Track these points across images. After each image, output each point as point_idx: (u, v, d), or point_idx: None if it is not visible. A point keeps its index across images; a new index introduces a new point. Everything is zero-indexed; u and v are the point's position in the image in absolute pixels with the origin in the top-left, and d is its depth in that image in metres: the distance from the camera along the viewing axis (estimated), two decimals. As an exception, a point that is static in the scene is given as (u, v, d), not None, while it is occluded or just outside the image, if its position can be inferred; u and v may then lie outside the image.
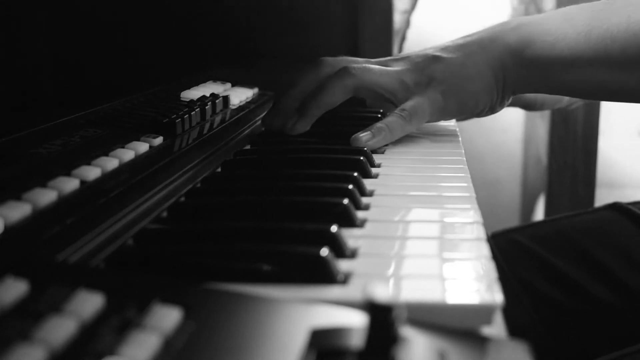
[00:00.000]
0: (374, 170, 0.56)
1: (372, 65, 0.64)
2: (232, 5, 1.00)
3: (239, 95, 0.75)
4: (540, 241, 0.81)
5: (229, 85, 0.79)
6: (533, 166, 1.62)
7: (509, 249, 0.82)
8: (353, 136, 0.61)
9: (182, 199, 0.49)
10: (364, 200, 0.48)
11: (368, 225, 0.43)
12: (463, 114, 0.66)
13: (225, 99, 0.70)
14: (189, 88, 0.72)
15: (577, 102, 1.00)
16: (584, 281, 0.75)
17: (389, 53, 0.98)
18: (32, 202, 0.37)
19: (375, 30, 0.98)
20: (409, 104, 0.63)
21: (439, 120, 0.67)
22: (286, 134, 0.65)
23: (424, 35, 1.43)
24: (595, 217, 0.84)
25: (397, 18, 1.10)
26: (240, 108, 0.72)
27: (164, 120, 0.56)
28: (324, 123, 0.66)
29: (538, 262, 0.79)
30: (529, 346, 0.27)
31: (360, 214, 0.44)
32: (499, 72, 0.63)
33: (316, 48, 0.99)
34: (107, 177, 0.44)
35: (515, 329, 0.34)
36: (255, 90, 0.80)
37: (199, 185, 0.52)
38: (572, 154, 1.45)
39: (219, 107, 0.67)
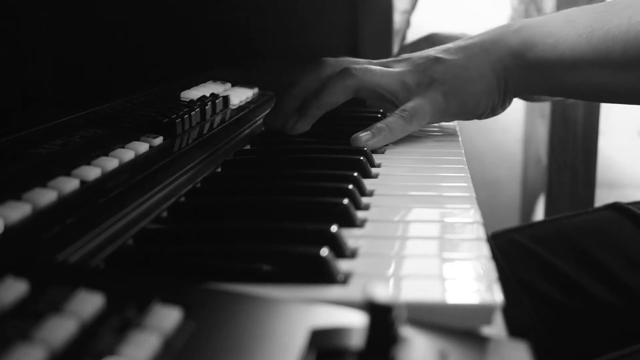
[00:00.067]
0: (374, 170, 0.56)
1: (374, 66, 0.64)
2: (232, 5, 1.00)
3: (239, 95, 0.75)
4: (540, 241, 0.81)
5: (229, 85, 0.79)
6: (533, 166, 1.62)
7: (509, 249, 0.82)
8: (353, 136, 0.61)
9: (182, 199, 0.49)
10: (364, 200, 0.48)
11: (368, 225, 0.43)
12: (464, 116, 0.66)
13: (225, 99, 0.70)
14: (189, 88, 0.72)
15: None
16: (584, 281, 0.75)
17: (389, 53, 0.98)
18: (32, 202, 0.37)
19: (375, 30, 0.98)
20: (409, 105, 0.63)
21: (439, 121, 0.67)
22: (286, 133, 0.65)
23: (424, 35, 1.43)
24: (595, 217, 0.84)
25: (397, 18, 1.10)
26: (240, 108, 0.72)
27: (164, 120, 0.56)
28: (324, 123, 0.66)
29: (538, 262, 0.79)
30: (529, 346, 0.27)
31: (360, 214, 0.44)
32: (500, 74, 0.63)
33: (316, 48, 0.99)
34: (107, 177, 0.44)
35: (515, 329, 0.34)
36: (255, 90, 0.80)
37: (199, 185, 0.52)
38: (572, 154, 1.45)
39: (219, 107, 0.67)
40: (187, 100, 0.67)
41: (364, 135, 0.61)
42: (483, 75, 0.63)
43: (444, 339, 0.27)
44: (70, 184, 0.40)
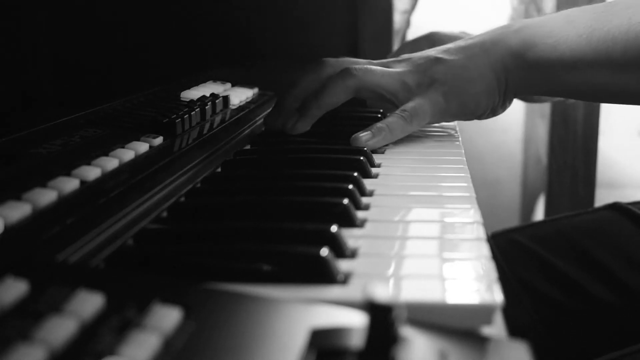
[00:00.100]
0: (374, 170, 0.56)
1: (374, 67, 0.64)
2: (232, 5, 1.00)
3: (239, 95, 0.75)
4: (540, 241, 0.81)
5: (229, 85, 0.79)
6: (533, 166, 1.62)
7: (509, 249, 0.82)
8: (353, 136, 0.61)
9: (182, 199, 0.49)
10: (364, 200, 0.48)
11: (368, 225, 0.43)
12: (464, 116, 0.66)
13: (225, 99, 0.70)
14: (189, 88, 0.72)
15: None
16: (584, 281, 0.75)
17: (389, 53, 0.98)
18: (32, 202, 0.37)
19: (375, 30, 0.98)
20: (410, 105, 0.63)
21: (440, 121, 0.67)
22: (286, 133, 0.65)
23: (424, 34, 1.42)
24: (595, 217, 0.84)
25: (397, 18, 1.10)
26: (240, 108, 0.72)
27: (164, 120, 0.56)
28: (324, 123, 0.66)
29: (538, 262, 0.79)
30: (529, 346, 0.27)
31: (360, 214, 0.44)
32: (500, 74, 0.63)
33: (316, 48, 0.99)
34: (107, 177, 0.44)
35: (515, 329, 0.34)
36: (255, 90, 0.80)
37: (199, 185, 0.52)
38: (572, 154, 1.45)
39: (219, 107, 0.67)
40: (187, 100, 0.67)
41: (364, 135, 0.61)
42: (483, 75, 0.63)
43: (444, 339, 0.27)
44: (70, 184, 0.40)
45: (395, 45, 1.03)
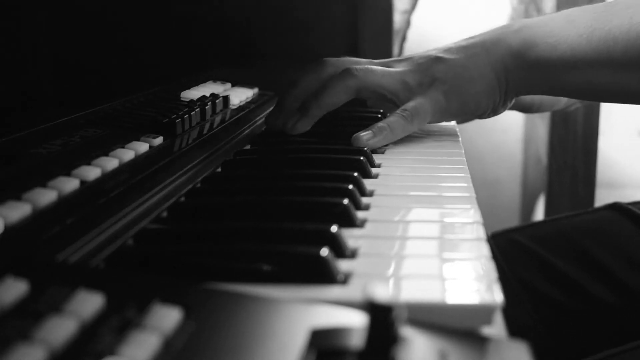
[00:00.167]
0: (374, 170, 0.56)
1: (375, 67, 0.65)
2: (232, 5, 1.00)
3: (239, 95, 0.75)
4: (540, 241, 0.81)
5: (229, 85, 0.79)
6: (533, 166, 1.62)
7: (509, 249, 0.82)
8: (354, 135, 0.61)
9: (182, 199, 0.49)
10: (364, 200, 0.48)
11: (368, 225, 0.43)
12: (465, 115, 0.66)
13: (225, 99, 0.70)
14: (189, 88, 0.72)
15: (575, 104, 1.00)
16: (584, 281, 0.75)
17: (389, 53, 0.98)
18: (32, 202, 0.37)
19: (375, 30, 0.98)
20: (410, 104, 0.63)
21: (440, 121, 0.67)
22: (286, 133, 0.65)
23: (424, 35, 1.43)
24: (595, 217, 0.84)
25: (397, 18, 1.10)
26: (240, 108, 0.72)
27: (164, 120, 0.56)
28: (324, 123, 0.66)
29: (538, 262, 0.79)
30: (529, 346, 0.27)
31: (360, 214, 0.44)
32: (501, 74, 0.63)
33: (316, 48, 0.99)
34: (107, 177, 0.44)
35: (515, 329, 0.34)
36: (255, 90, 0.80)
37: (199, 185, 0.52)
38: (572, 154, 1.45)
39: (219, 107, 0.67)
40: (187, 100, 0.67)
41: (365, 135, 0.61)
42: (484, 74, 0.63)
43: (444, 339, 0.27)
44: (70, 184, 0.41)
45: (396, 45, 1.03)
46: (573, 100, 0.95)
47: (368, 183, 0.51)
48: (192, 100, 0.65)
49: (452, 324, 0.31)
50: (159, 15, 0.95)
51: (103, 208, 0.41)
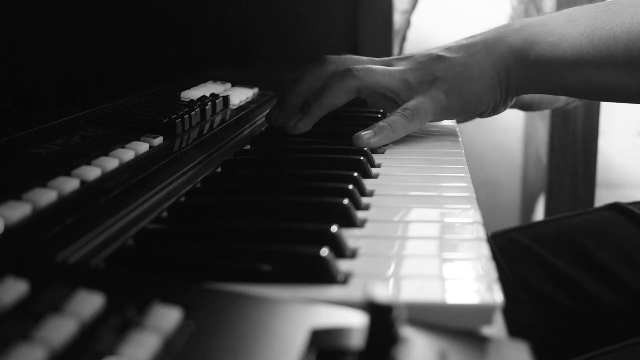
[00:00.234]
0: (374, 170, 0.56)
1: (375, 66, 0.64)
2: (233, 5, 1.00)
3: (239, 95, 0.75)
4: (540, 241, 0.81)
5: (229, 85, 0.79)
6: (533, 166, 1.62)
7: (509, 249, 0.82)
8: (355, 134, 0.61)
9: (182, 199, 0.49)
10: (364, 200, 0.48)
11: (368, 225, 0.43)
12: (466, 114, 0.66)
13: (225, 99, 0.70)
14: (189, 88, 0.72)
15: (574, 102, 1.01)
16: (584, 281, 0.75)
17: (389, 53, 0.98)
18: (32, 202, 0.37)
19: (375, 30, 0.98)
20: (411, 103, 0.63)
21: (441, 119, 0.67)
22: (286, 133, 0.65)
23: (424, 35, 1.43)
24: (595, 217, 0.84)
25: (397, 18, 1.10)
26: (240, 108, 0.72)
27: (164, 120, 0.56)
28: (324, 123, 0.66)
29: (538, 262, 0.79)
30: (529, 346, 0.27)
31: (360, 214, 0.44)
32: (502, 72, 0.63)
33: (316, 48, 0.99)
34: (107, 177, 0.44)
35: (515, 329, 0.34)
36: (255, 90, 0.80)
37: (199, 185, 0.52)
38: (572, 154, 1.45)
39: (219, 107, 0.67)
40: (187, 100, 0.67)
41: (366, 134, 0.61)
42: (485, 73, 0.63)
43: (444, 339, 0.27)
44: (70, 184, 0.41)
45: (396, 45, 1.03)
46: (572, 98, 0.95)
47: (368, 183, 0.51)
48: (192, 100, 0.65)
49: (452, 324, 0.31)
50: (159, 16, 0.95)
51: (103, 208, 0.41)
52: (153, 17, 0.94)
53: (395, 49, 1.04)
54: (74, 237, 0.37)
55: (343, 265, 0.36)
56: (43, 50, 0.71)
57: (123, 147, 0.49)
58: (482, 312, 0.32)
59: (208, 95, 0.68)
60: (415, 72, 0.64)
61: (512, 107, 0.76)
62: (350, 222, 0.42)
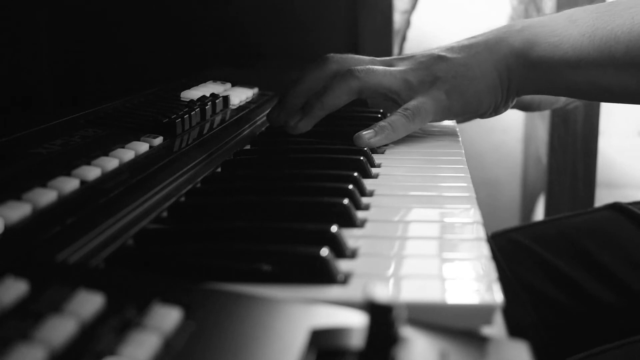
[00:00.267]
0: (374, 170, 0.56)
1: (376, 67, 0.65)
2: (232, 5, 1.00)
3: (239, 95, 0.75)
4: (540, 241, 0.81)
5: (229, 85, 0.79)
6: (533, 166, 1.62)
7: (509, 249, 0.82)
8: (356, 134, 0.61)
9: (182, 199, 0.49)
10: (364, 200, 0.48)
11: (368, 225, 0.43)
12: (467, 114, 0.66)
13: (225, 99, 0.70)
14: (189, 88, 0.72)
15: (574, 102, 1.01)
16: (584, 281, 0.75)
17: (389, 53, 0.98)
18: (32, 202, 0.37)
19: (375, 30, 0.98)
20: (412, 103, 0.63)
21: (442, 120, 0.67)
22: (286, 133, 0.65)
23: (424, 35, 1.43)
24: (595, 217, 0.84)
25: (397, 18, 1.10)
26: (240, 108, 0.72)
27: (164, 120, 0.56)
28: (325, 123, 0.66)
29: (538, 262, 0.79)
30: (528, 346, 0.27)
31: (360, 214, 0.44)
32: (503, 73, 0.63)
33: (316, 48, 0.99)
34: (107, 177, 0.44)
35: (515, 329, 0.34)
36: (255, 90, 0.80)
37: (199, 185, 0.52)
38: (572, 154, 1.45)
39: (219, 107, 0.67)
40: (187, 100, 0.67)
41: (366, 134, 0.61)
42: (486, 74, 0.63)
43: (444, 339, 0.27)
44: (70, 184, 0.40)
45: (396, 45, 1.03)
46: (572, 99, 0.95)
47: (368, 183, 0.51)
48: (192, 100, 0.65)
49: (452, 324, 0.31)
50: (159, 15, 0.95)
51: (103, 208, 0.41)
52: (153, 17, 0.94)
53: (395, 49, 1.04)
54: (74, 237, 0.37)
55: (343, 265, 0.36)
56: (43, 50, 0.71)
57: (123, 147, 0.49)
58: (482, 312, 0.32)
59: (208, 95, 0.68)
60: (416, 72, 0.64)
61: (512, 107, 0.76)
62: (350, 222, 0.42)
